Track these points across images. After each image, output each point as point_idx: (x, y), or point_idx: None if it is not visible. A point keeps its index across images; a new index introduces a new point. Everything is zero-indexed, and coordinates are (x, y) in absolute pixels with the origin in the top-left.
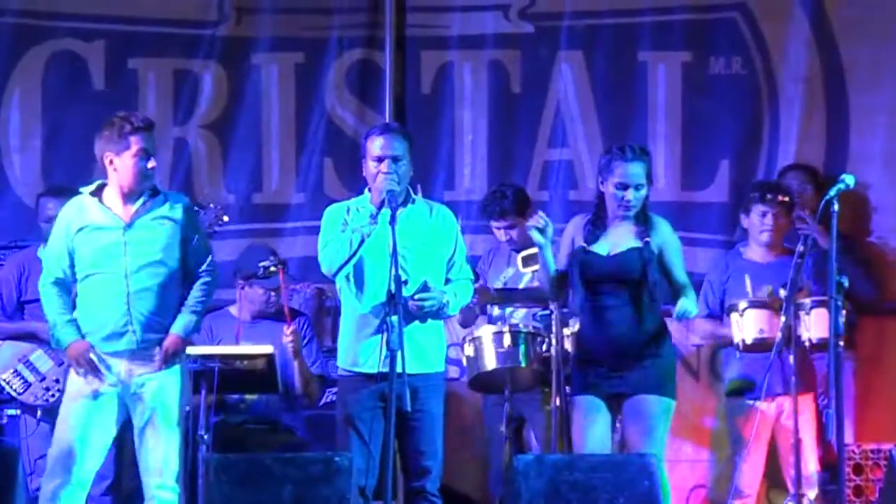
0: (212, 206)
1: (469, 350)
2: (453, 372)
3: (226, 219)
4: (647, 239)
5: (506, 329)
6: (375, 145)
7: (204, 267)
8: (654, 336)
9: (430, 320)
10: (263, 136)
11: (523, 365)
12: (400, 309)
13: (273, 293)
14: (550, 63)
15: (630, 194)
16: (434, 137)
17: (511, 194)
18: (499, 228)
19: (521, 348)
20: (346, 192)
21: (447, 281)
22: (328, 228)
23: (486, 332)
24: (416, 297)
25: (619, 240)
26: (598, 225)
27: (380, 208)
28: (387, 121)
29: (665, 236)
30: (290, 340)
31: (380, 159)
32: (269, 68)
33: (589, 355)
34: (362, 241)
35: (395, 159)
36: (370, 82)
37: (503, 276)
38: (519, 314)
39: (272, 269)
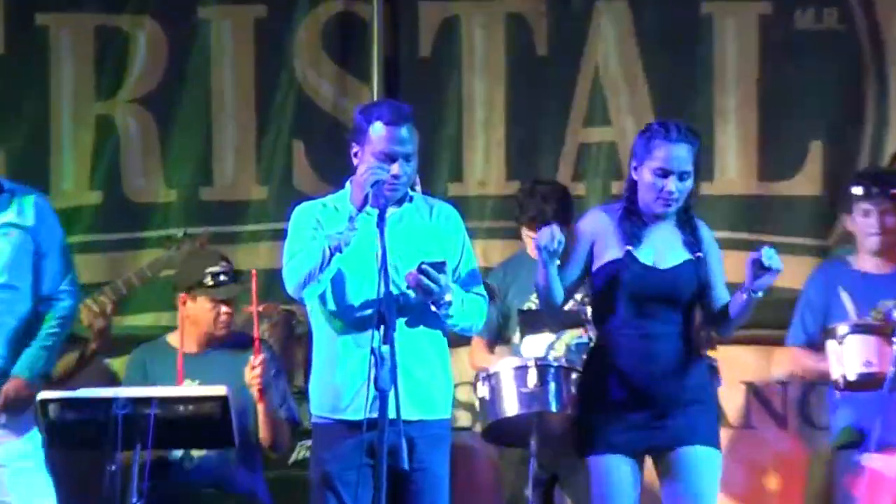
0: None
1: (483, 390)
2: (463, 419)
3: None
4: (700, 253)
5: (531, 363)
6: (383, 137)
7: (62, 286)
8: (701, 373)
9: (429, 351)
10: (214, 114)
11: (553, 409)
12: (392, 336)
13: (224, 306)
14: (586, 16)
15: (672, 184)
16: (436, 114)
17: (554, 197)
18: (534, 238)
19: (551, 387)
20: (323, 185)
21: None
22: (296, 235)
23: (504, 367)
24: (423, 266)
25: (663, 247)
26: (636, 223)
27: (361, 208)
28: (394, 101)
29: (710, 244)
30: (257, 375)
31: (390, 157)
32: (221, 25)
33: (624, 397)
34: (337, 251)
35: (406, 157)
36: (352, 42)
37: (534, 297)
38: (561, 345)
39: (223, 276)
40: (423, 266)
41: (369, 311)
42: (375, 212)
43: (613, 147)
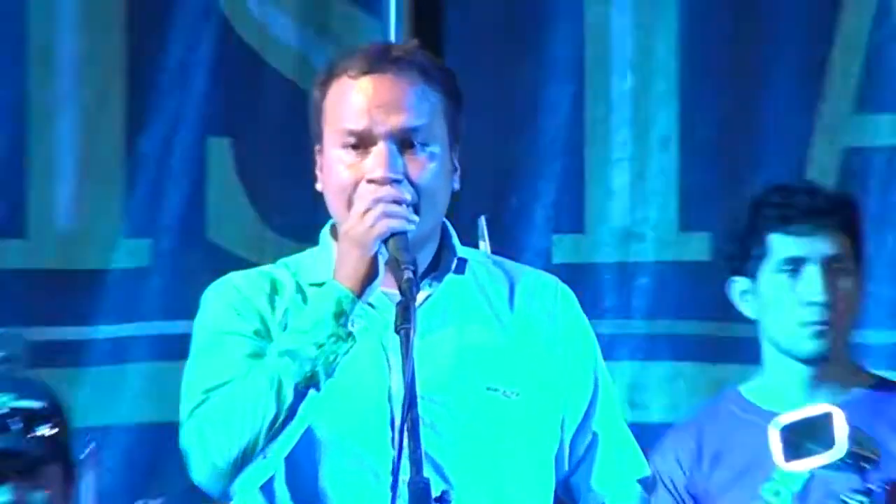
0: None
1: None
2: None
3: None
4: None
5: None
6: (346, 103)
7: None
8: None
9: None
10: (34, 80)
11: None
12: None
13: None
14: None
15: None
16: (524, 89)
17: (832, 207)
18: (795, 267)
19: None
20: (271, 236)
21: (572, 489)
22: (213, 349)
23: None
24: None
25: None
26: None
27: (362, 292)
28: (388, 37)
29: None
30: None
31: (356, 143)
32: None
33: None
34: (313, 387)
35: (405, 140)
36: None
37: (767, 490)
38: None
39: None
40: None
41: None
42: (390, 299)
43: None
